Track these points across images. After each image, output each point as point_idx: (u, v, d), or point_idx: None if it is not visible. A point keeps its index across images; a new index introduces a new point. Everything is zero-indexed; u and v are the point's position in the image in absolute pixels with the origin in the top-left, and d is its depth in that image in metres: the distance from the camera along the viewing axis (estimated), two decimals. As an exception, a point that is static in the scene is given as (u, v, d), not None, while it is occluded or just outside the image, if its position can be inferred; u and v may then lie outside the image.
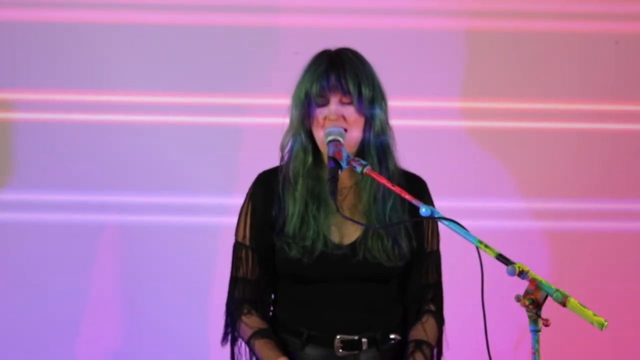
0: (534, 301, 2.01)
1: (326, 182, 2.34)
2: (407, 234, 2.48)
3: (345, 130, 2.39)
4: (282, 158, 2.52)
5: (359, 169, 2.30)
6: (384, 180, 2.30)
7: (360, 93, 2.40)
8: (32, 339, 4.04)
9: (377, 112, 2.44)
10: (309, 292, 2.48)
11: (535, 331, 2.02)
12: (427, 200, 2.52)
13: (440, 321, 2.55)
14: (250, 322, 2.49)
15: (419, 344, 2.47)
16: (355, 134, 2.42)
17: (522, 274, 2.01)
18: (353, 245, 2.45)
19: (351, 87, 2.39)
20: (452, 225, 2.16)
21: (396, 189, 2.27)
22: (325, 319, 2.46)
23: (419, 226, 2.51)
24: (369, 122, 2.43)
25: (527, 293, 2.02)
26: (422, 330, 2.50)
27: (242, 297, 2.52)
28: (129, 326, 4.11)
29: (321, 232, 2.44)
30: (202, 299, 4.11)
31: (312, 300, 2.47)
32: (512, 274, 2.02)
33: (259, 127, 3.96)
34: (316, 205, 2.44)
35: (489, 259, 2.12)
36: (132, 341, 4.12)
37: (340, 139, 2.35)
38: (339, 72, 2.41)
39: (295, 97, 2.46)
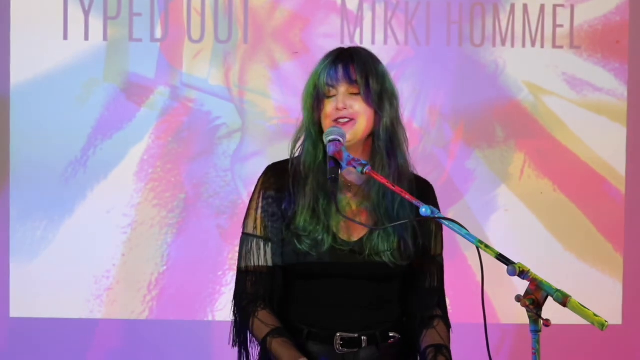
0: (535, 301, 2.00)
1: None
2: (413, 233, 2.48)
3: (354, 120, 2.39)
4: (292, 152, 2.51)
5: (359, 169, 2.30)
6: (384, 181, 2.30)
7: (367, 85, 2.40)
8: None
9: (386, 107, 2.43)
10: (311, 289, 2.47)
11: (536, 331, 2.01)
12: (432, 203, 2.50)
13: (448, 325, 2.56)
14: (266, 319, 2.45)
15: (439, 348, 2.47)
16: (362, 126, 2.42)
17: (522, 274, 2.01)
18: (360, 242, 2.45)
19: (358, 78, 2.40)
20: (452, 225, 2.16)
21: (396, 189, 2.27)
22: (326, 316, 2.46)
23: (425, 229, 2.51)
24: (378, 116, 2.43)
25: (527, 293, 2.01)
26: (437, 335, 2.50)
27: (255, 292, 2.48)
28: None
29: (331, 228, 2.44)
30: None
31: (313, 297, 2.47)
32: (512, 274, 2.02)
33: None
34: (326, 200, 2.44)
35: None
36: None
37: (341, 139, 2.35)
38: (347, 62, 2.42)
39: (305, 92, 2.47)
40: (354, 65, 2.42)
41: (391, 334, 2.51)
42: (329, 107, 2.41)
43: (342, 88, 2.41)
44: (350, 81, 2.40)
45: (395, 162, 2.46)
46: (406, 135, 2.51)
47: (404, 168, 2.49)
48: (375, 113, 2.43)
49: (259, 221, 2.50)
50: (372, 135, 2.46)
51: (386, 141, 2.45)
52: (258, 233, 2.50)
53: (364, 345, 2.46)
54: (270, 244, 2.49)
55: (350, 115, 2.40)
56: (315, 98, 2.43)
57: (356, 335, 2.46)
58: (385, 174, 2.39)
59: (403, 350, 2.54)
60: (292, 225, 2.45)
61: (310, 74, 2.47)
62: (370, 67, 2.44)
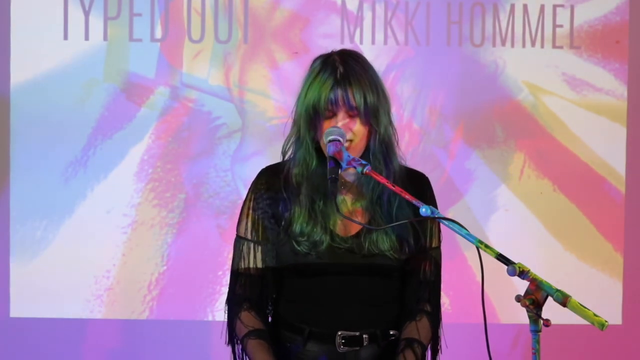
0: (535, 301, 2.00)
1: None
2: (413, 230, 2.49)
3: (352, 141, 2.41)
4: (284, 155, 2.52)
5: (359, 169, 2.30)
6: (384, 180, 2.31)
7: (366, 104, 2.41)
8: None
9: (382, 118, 2.45)
10: (311, 287, 2.48)
11: (536, 331, 2.01)
12: (430, 196, 2.53)
13: (435, 321, 2.55)
14: (247, 321, 2.48)
15: (410, 342, 2.47)
16: (360, 144, 2.44)
17: (522, 274, 2.01)
18: (358, 237, 2.46)
19: (357, 101, 2.41)
20: (452, 225, 2.16)
21: (396, 189, 2.28)
22: (327, 315, 2.47)
23: (420, 222, 2.51)
24: (373, 130, 2.45)
25: (527, 293, 2.02)
26: (415, 328, 2.50)
27: (243, 293, 2.51)
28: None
29: (328, 227, 2.45)
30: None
31: (314, 296, 2.48)
32: (512, 274, 2.02)
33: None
34: (322, 201, 2.45)
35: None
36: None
37: (341, 139, 2.36)
38: (346, 87, 2.41)
39: (301, 106, 2.46)
40: (352, 88, 2.41)
41: (392, 332, 2.51)
42: (329, 127, 2.41)
43: (342, 111, 2.42)
44: (350, 106, 2.41)
45: (391, 165, 2.48)
46: (397, 135, 2.52)
47: (397, 170, 2.50)
48: (371, 127, 2.44)
49: (250, 224, 2.52)
50: (367, 147, 2.48)
51: (381, 147, 2.47)
52: (249, 236, 2.52)
53: (365, 343, 2.47)
54: (261, 247, 2.51)
55: (349, 138, 2.41)
56: (313, 117, 2.43)
57: (357, 334, 2.47)
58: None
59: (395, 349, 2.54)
60: (289, 229, 2.46)
61: (306, 86, 2.45)
62: (366, 84, 2.43)
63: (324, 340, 2.47)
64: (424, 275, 2.55)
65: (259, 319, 2.50)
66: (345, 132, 2.39)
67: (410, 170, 2.57)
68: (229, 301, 2.55)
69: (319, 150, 2.48)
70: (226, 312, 2.55)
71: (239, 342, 2.50)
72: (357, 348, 2.47)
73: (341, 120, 2.41)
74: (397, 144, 2.52)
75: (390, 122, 2.50)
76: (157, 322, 4.10)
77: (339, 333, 2.46)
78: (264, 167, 2.57)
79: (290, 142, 2.51)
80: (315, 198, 2.46)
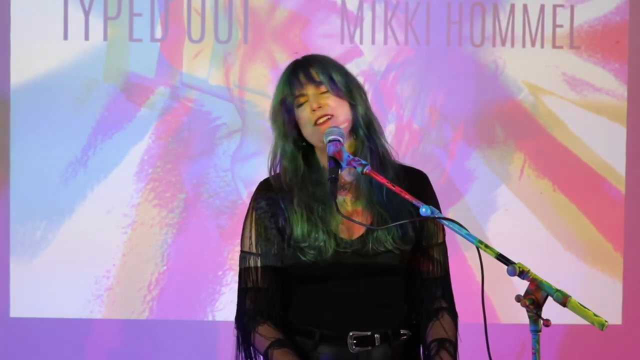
0: (535, 301, 2.00)
1: (326, 184, 2.35)
2: (411, 218, 2.49)
3: (332, 116, 2.41)
4: (270, 171, 2.54)
5: (359, 169, 2.30)
6: (384, 180, 2.31)
7: (332, 80, 2.43)
8: None
9: (357, 97, 2.47)
10: (319, 291, 2.47)
11: (536, 331, 2.01)
12: (430, 194, 2.54)
13: (454, 316, 2.55)
14: (266, 333, 2.46)
15: (442, 342, 2.48)
16: (341, 118, 2.44)
17: (522, 274, 2.01)
18: (362, 238, 2.46)
19: (321, 77, 2.43)
20: (452, 225, 2.16)
21: (396, 189, 2.28)
22: (337, 317, 2.46)
23: (422, 221, 2.51)
24: (353, 108, 2.46)
25: (527, 293, 2.01)
26: (442, 328, 2.50)
27: (254, 308, 2.49)
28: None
29: (331, 232, 2.45)
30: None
31: (323, 299, 2.47)
32: (512, 274, 2.02)
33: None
34: (321, 207, 2.45)
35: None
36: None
37: (340, 139, 2.36)
38: (306, 67, 2.46)
39: (272, 111, 2.50)
40: (312, 67, 2.44)
41: (402, 332, 2.51)
42: (304, 113, 2.43)
43: (310, 91, 2.43)
44: (315, 83, 2.43)
45: (376, 149, 2.48)
46: (380, 125, 2.54)
47: (385, 156, 2.51)
48: (350, 105, 2.45)
49: (254, 237, 2.52)
50: (352, 129, 2.48)
51: (364, 129, 2.47)
52: (254, 250, 2.51)
53: (377, 343, 2.47)
54: (266, 259, 2.50)
55: (327, 113, 2.41)
56: (285, 111, 2.45)
57: (369, 334, 2.46)
58: (369, 162, 2.40)
59: (412, 347, 2.54)
60: (291, 240, 2.46)
61: (274, 94, 2.50)
62: (330, 65, 2.47)
63: (335, 342, 2.46)
64: (431, 273, 2.55)
65: (277, 329, 2.48)
66: (322, 106, 2.40)
67: (408, 169, 2.57)
68: (240, 318, 2.52)
69: (305, 155, 2.49)
70: (239, 329, 2.52)
71: (261, 355, 2.47)
72: (369, 348, 2.46)
73: (313, 99, 2.42)
74: (383, 133, 2.53)
75: (371, 109, 2.51)
76: (157, 322, 4.10)
77: (351, 334, 2.45)
78: (262, 179, 2.57)
79: (273, 154, 2.52)
80: (313, 204, 2.46)
